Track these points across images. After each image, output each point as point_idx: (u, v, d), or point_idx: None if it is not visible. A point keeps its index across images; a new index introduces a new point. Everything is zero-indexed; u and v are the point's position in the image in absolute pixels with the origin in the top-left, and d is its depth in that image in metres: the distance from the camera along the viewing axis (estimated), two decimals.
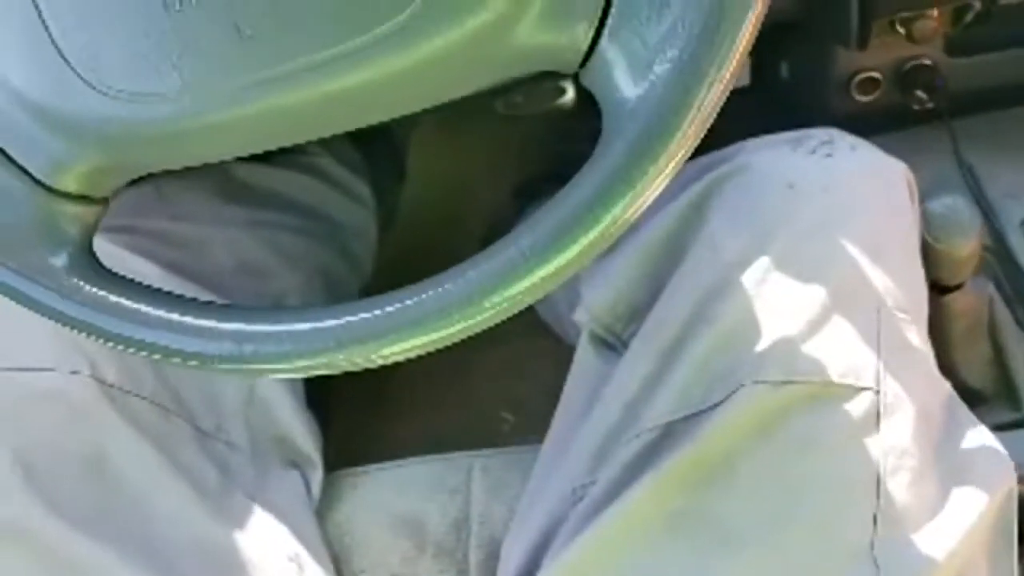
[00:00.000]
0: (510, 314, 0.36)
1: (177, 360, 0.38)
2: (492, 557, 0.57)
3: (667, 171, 0.34)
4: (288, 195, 0.74)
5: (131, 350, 0.39)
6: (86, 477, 0.51)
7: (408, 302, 0.36)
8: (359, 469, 0.62)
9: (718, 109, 0.34)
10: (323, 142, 0.80)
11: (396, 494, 0.60)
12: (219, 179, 0.71)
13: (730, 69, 0.34)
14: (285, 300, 0.67)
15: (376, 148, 0.82)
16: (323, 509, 0.60)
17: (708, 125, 0.34)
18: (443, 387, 0.82)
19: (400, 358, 0.37)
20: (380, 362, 0.37)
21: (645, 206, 0.35)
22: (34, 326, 0.52)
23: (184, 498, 0.53)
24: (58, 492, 0.50)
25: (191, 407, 0.57)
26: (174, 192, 0.68)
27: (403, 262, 0.81)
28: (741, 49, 0.34)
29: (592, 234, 0.34)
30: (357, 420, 0.77)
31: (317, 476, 0.60)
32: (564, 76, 0.82)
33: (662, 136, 0.34)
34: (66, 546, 0.49)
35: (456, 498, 0.60)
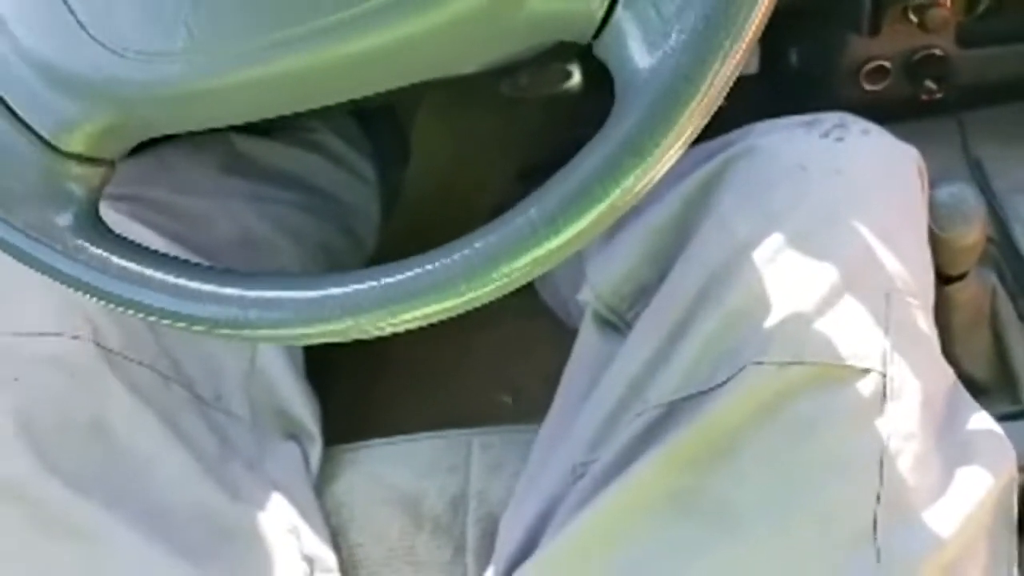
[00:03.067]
0: (518, 285, 0.36)
1: (181, 324, 0.38)
2: (490, 534, 0.57)
3: (678, 144, 0.34)
4: (291, 171, 0.74)
5: (135, 313, 0.39)
6: (87, 441, 0.51)
7: (416, 270, 0.36)
8: (358, 444, 0.62)
9: (731, 83, 0.34)
10: (327, 119, 0.80)
11: (395, 470, 0.60)
12: (222, 152, 0.71)
13: (745, 41, 0.33)
14: None
15: (380, 127, 0.82)
16: (322, 483, 0.60)
17: (720, 99, 0.34)
18: (443, 368, 0.81)
19: (404, 328, 0.37)
20: (384, 331, 0.37)
21: (656, 179, 0.34)
22: (37, 291, 0.52)
23: (184, 465, 0.53)
24: (59, 455, 0.50)
25: (191, 375, 0.57)
26: (177, 163, 0.68)
27: (405, 241, 0.81)
28: (757, 21, 0.33)
29: (602, 205, 0.34)
30: (357, 395, 0.77)
31: (316, 450, 0.60)
32: (571, 58, 0.82)
33: (675, 107, 0.33)
34: (67, 508, 0.49)
35: (455, 475, 0.60)
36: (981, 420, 0.50)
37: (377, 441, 0.62)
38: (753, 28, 0.33)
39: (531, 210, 0.35)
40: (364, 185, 0.80)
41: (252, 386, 0.59)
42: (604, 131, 0.35)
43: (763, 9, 0.33)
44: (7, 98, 0.37)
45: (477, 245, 0.35)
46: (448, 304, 0.36)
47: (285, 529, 0.55)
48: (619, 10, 0.34)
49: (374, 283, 0.36)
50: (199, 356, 0.57)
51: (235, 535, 0.53)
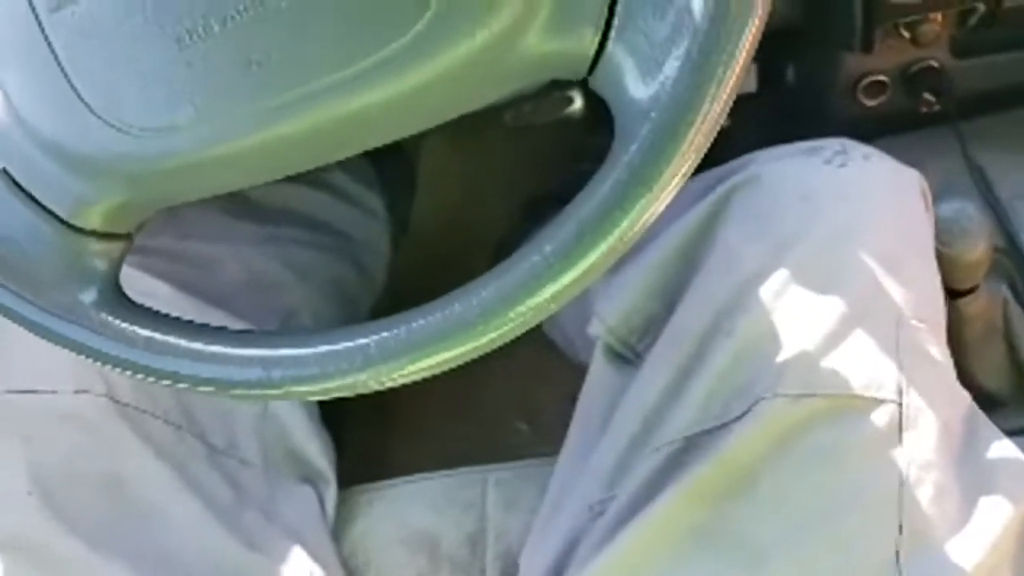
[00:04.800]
0: (535, 324, 0.36)
1: (208, 389, 0.38)
2: (508, 572, 0.57)
3: (683, 170, 0.34)
4: (299, 209, 0.74)
5: (162, 381, 0.39)
6: (102, 495, 0.51)
7: (435, 316, 0.36)
8: (373, 485, 0.62)
9: (730, 105, 0.34)
10: None
11: (411, 510, 0.60)
12: (228, 197, 0.71)
13: (740, 63, 0.33)
14: (297, 314, 0.67)
15: (387, 161, 0.82)
16: (337, 526, 0.60)
17: (721, 121, 0.34)
18: (457, 398, 0.81)
19: (427, 374, 0.37)
20: (408, 379, 0.37)
21: (663, 207, 0.34)
22: (50, 347, 0.52)
23: (198, 515, 0.53)
24: (74, 510, 0.50)
25: (204, 424, 0.57)
26: (184, 210, 0.68)
27: (415, 275, 0.81)
28: (749, 41, 0.33)
29: (613, 237, 0.34)
30: (371, 435, 0.77)
31: (331, 492, 0.60)
32: (571, 85, 0.82)
33: (676, 135, 0.33)
34: (81, 563, 0.49)
35: (471, 512, 0.60)
36: (1000, 444, 0.50)
37: (392, 481, 0.62)
38: (746, 49, 0.33)
39: (545, 246, 0.35)
40: (372, 219, 0.80)
41: (265, 431, 0.59)
42: (608, 164, 0.35)
43: (754, 30, 0.33)
44: (22, 181, 0.38)
45: (494, 285, 0.35)
46: (470, 347, 0.36)
47: (302, 574, 0.55)
48: (611, 44, 0.34)
49: (392, 332, 0.36)
50: (211, 405, 0.58)
51: None
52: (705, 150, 0.34)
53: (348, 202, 0.77)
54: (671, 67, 0.33)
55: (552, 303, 0.35)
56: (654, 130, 0.34)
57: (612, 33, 0.34)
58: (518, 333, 0.36)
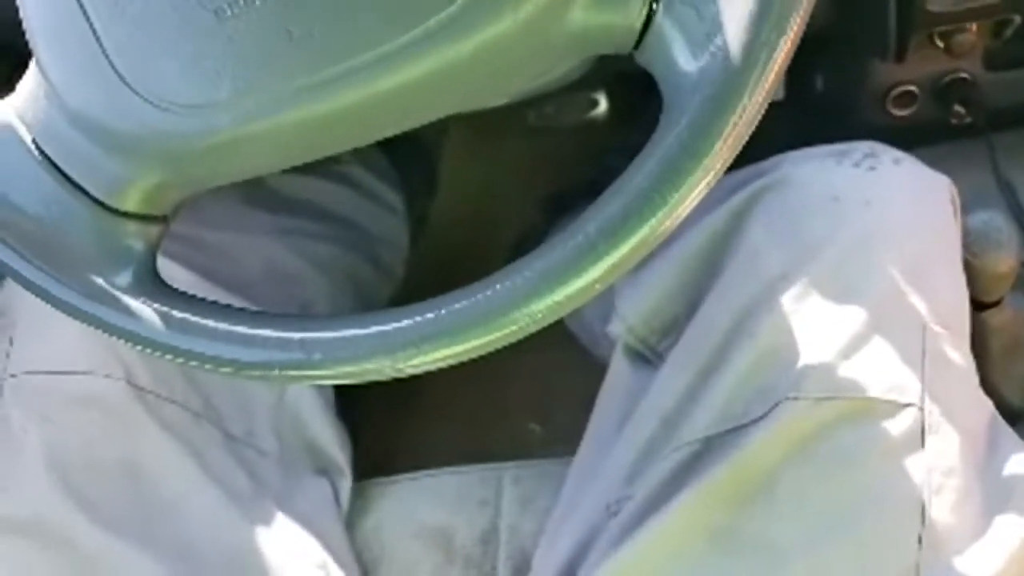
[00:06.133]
0: (577, 306, 0.35)
1: (248, 372, 0.38)
2: (521, 570, 0.56)
3: (730, 145, 0.33)
4: (318, 203, 0.74)
5: (200, 365, 0.38)
6: (119, 480, 0.51)
7: (477, 297, 0.35)
8: (388, 478, 0.61)
9: (778, 82, 0.33)
10: (355, 150, 0.80)
11: (425, 504, 0.60)
12: (247, 185, 0.71)
13: (790, 37, 0.33)
14: (313, 306, 0.67)
15: (407, 157, 0.82)
16: (351, 518, 0.59)
17: (769, 98, 0.33)
18: (472, 396, 0.81)
19: (464, 358, 0.36)
20: (445, 363, 0.36)
21: (711, 186, 0.34)
22: (69, 330, 0.52)
23: (215, 503, 0.53)
24: (91, 494, 0.50)
25: (221, 412, 0.57)
26: (204, 199, 0.68)
27: (434, 271, 0.81)
28: (801, 15, 0.33)
29: (660, 213, 0.33)
30: (386, 429, 0.76)
31: (346, 484, 0.60)
32: (597, 88, 0.82)
33: (727, 107, 0.33)
34: (96, 547, 0.49)
35: (485, 509, 0.59)
36: (1021, 457, 0.49)
37: (407, 475, 0.61)
38: (797, 23, 0.33)
39: (589, 225, 0.34)
40: (391, 215, 0.80)
41: (281, 421, 0.59)
42: (656, 139, 0.34)
43: (806, 3, 0.33)
44: (58, 161, 0.38)
45: (537, 265, 0.34)
46: (514, 328, 0.35)
47: (315, 565, 0.54)
48: (659, 17, 0.34)
49: (433, 314, 0.35)
50: (229, 392, 0.58)
51: (264, 573, 0.53)
52: (754, 125, 0.33)
53: (367, 197, 0.77)
54: (721, 39, 0.33)
55: (598, 283, 0.34)
56: (705, 102, 0.33)
57: (660, 6, 0.34)
58: (562, 315, 0.35)
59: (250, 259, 0.65)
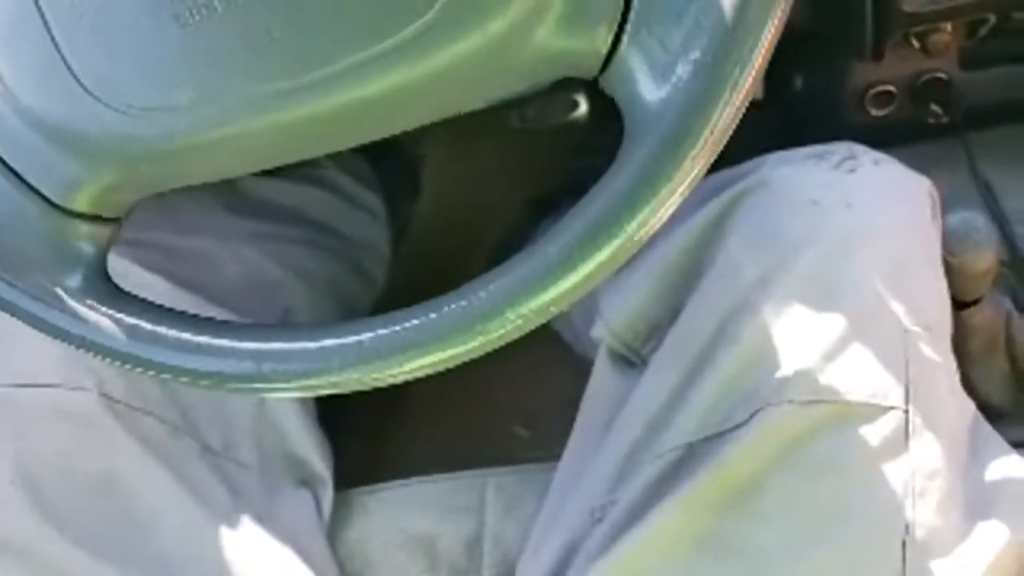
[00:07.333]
0: (536, 325, 0.35)
1: (195, 381, 0.38)
2: None
3: (692, 175, 0.33)
4: (298, 209, 0.73)
5: (148, 372, 0.38)
6: (93, 495, 0.51)
7: (432, 315, 0.35)
8: (370, 488, 0.61)
9: (742, 112, 0.33)
10: (334, 155, 0.79)
11: (408, 513, 0.60)
12: (226, 191, 0.70)
13: (754, 70, 0.33)
14: (294, 314, 0.67)
15: (388, 162, 0.82)
16: (334, 529, 0.59)
17: (732, 129, 0.34)
18: (455, 402, 0.81)
19: (421, 374, 0.36)
20: (400, 379, 0.36)
21: (671, 211, 0.34)
22: (40, 342, 0.51)
23: (193, 517, 0.52)
24: (63, 510, 0.49)
25: (200, 425, 0.56)
26: (180, 204, 0.67)
27: (415, 276, 0.81)
28: (764, 49, 0.33)
29: (618, 240, 0.33)
30: (368, 438, 0.76)
31: (328, 495, 0.59)
32: (578, 88, 0.82)
33: (687, 139, 0.33)
34: (72, 565, 0.48)
35: (469, 517, 0.59)
36: (1005, 455, 0.49)
37: (389, 484, 0.61)
38: (760, 57, 0.33)
39: (549, 248, 0.34)
40: (372, 220, 0.79)
41: (261, 433, 0.59)
42: (616, 166, 0.34)
43: (769, 38, 0.33)
44: (9, 159, 0.37)
45: (493, 287, 0.35)
46: (466, 348, 0.35)
47: None
48: (624, 46, 0.34)
49: (387, 330, 0.36)
50: (208, 404, 0.57)
51: None
52: (716, 155, 0.34)
53: (348, 202, 0.77)
54: (684, 70, 0.33)
55: (553, 306, 0.34)
56: (665, 132, 0.33)
57: (626, 35, 0.34)
58: (517, 335, 0.35)
59: (230, 266, 0.64)
